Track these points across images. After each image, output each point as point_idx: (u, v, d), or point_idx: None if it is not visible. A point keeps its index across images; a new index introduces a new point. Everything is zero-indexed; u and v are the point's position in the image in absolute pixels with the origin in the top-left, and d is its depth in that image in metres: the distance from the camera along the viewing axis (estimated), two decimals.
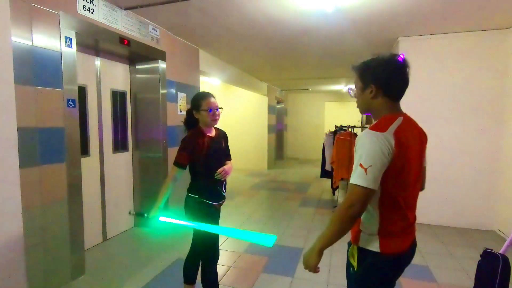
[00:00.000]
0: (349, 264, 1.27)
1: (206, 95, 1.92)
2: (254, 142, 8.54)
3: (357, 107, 1.29)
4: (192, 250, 2.06)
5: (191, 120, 1.97)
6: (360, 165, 1.07)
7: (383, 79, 1.16)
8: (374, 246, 1.17)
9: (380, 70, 1.17)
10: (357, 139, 1.15)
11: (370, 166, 1.06)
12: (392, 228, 1.18)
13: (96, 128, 3.18)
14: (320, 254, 1.15)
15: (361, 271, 1.22)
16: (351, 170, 1.17)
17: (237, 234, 1.99)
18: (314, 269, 1.18)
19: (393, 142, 1.08)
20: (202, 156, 1.86)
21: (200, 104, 1.89)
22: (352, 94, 1.31)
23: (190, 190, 1.94)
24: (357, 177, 1.07)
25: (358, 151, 1.11)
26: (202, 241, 1.92)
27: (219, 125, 2.03)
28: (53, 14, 2.25)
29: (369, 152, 1.07)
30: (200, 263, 2.02)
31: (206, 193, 1.89)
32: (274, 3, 2.82)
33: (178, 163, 1.85)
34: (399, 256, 1.20)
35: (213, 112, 1.89)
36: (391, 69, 1.16)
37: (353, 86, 1.30)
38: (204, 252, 1.94)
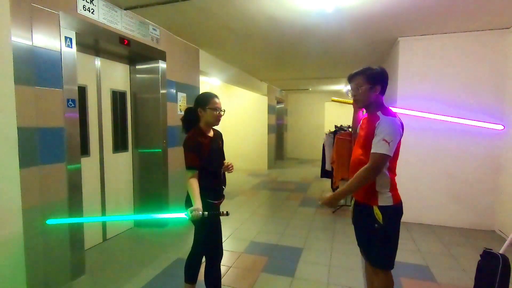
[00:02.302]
0: (371, 222, 1.66)
1: (214, 95, 1.95)
2: (254, 142, 8.53)
3: (357, 102, 1.75)
4: (194, 249, 2.06)
5: (191, 119, 1.95)
6: (384, 139, 1.54)
7: (384, 82, 1.69)
8: (390, 202, 1.65)
9: (383, 76, 1.69)
10: (378, 123, 1.59)
11: (392, 141, 1.54)
12: (394, 185, 1.69)
13: (96, 128, 3.18)
14: (339, 200, 1.70)
15: (386, 222, 1.63)
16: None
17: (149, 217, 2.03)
18: (331, 207, 1.79)
19: (400, 123, 1.63)
20: (205, 157, 1.86)
21: (209, 102, 1.90)
22: (350, 95, 1.78)
23: None
24: (380, 148, 1.54)
25: (382, 131, 1.56)
26: (205, 239, 1.93)
27: (219, 125, 2.04)
28: (53, 14, 2.25)
29: (391, 131, 1.56)
30: (201, 262, 2.04)
31: (208, 193, 1.89)
32: (275, 3, 2.82)
33: (191, 167, 1.82)
34: (401, 203, 1.72)
35: (219, 113, 1.93)
36: (387, 76, 1.71)
37: (349, 87, 1.78)
38: (207, 250, 1.95)
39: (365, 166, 1.58)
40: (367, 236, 1.72)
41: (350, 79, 1.76)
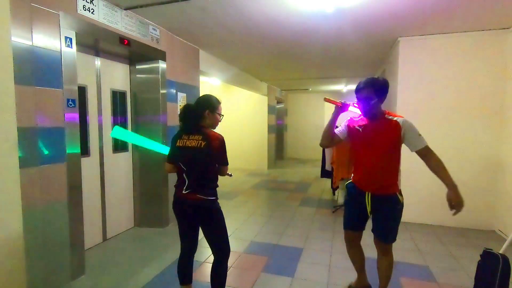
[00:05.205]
0: (395, 205, 1.93)
1: (220, 101, 2.02)
2: (254, 142, 8.53)
3: (367, 113, 1.93)
4: (186, 251, 2.04)
5: (197, 120, 1.93)
6: (419, 134, 1.86)
7: (387, 92, 1.90)
8: (399, 186, 1.99)
9: (387, 87, 1.90)
10: (403, 125, 1.85)
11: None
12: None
13: (96, 128, 3.18)
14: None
15: (403, 202, 1.96)
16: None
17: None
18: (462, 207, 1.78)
19: None
20: None
21: (217, 107, 1.98)
22: (354, 104, 2.01)
23: (212, 194, 1.90)
24: (424, 141, 1.85)
25: (412, 128, 1.86)
26: (227, 239, 1.95)
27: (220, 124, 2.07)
28: (53, 14, 2.25)
29: (415, 126, 1.88)
30: (193, 261, 2.08)
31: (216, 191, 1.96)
32: (274, 4, 2.82)
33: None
34: None
35: (221, 118, 2.01)
36: (388, 85, 1.91)
37: (349, 102, 2.06)
38: (224, 248, 1.95)
39: (436, 157, 1.83)
40: (392, 217, 1.95)
41: (360, 91, 1.89)
